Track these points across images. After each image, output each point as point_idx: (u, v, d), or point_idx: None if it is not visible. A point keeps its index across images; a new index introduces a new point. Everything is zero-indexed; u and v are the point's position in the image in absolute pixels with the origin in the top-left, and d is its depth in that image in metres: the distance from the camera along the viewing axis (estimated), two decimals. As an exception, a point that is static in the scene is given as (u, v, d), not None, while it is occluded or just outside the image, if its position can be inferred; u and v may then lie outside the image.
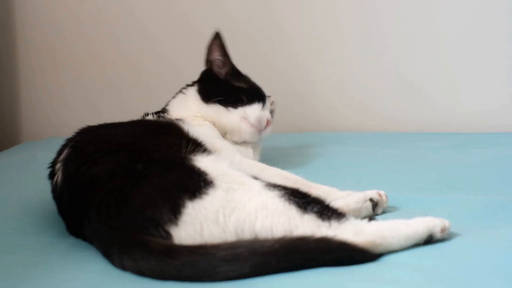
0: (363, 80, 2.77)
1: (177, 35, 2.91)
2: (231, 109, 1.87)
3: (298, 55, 2.83)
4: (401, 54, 2.73)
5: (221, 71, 1.94)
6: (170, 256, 1.11)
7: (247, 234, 1.17)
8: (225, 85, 1.92)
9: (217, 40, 1.92)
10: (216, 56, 1.93)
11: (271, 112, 2.00)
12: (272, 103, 2.03)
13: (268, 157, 1.93)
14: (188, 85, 1.97)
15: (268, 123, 1.90)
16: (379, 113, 2.77)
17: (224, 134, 1.88)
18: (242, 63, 1.99)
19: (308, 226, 1.17)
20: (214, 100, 1.87)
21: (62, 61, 3.04)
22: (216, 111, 1.87)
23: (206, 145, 1.53)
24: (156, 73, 2.95)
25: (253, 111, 1.88)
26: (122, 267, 1.16)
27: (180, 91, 1.96)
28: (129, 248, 1.15)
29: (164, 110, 1.90)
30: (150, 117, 1.81)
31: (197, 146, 1.46)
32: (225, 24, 2.82)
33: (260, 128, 1.88)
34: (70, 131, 1.58)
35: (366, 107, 2.78)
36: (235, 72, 1.95)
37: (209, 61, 1.94)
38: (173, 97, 1.96)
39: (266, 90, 1.98)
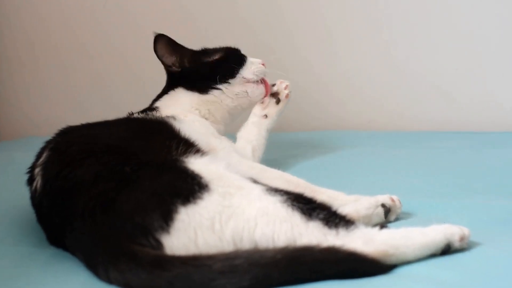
0: (373, 74, 2.77)
1: (170, 24, 2.90)
2: (231, 80, 1.91)
3: (302, 48, 2.83)
4: (414, 46, 2.72)
5: (184, 63, 1.95)
6: (161, 268, 1.10)
7: (246, 243, 1.17)
8: (205, 68, 1.94)
9: (161, 43, 1.97)
10: (167, 55, 1.96)
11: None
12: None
13: (270, 158, 1.92)
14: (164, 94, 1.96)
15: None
16: (390, 110, 2.77)
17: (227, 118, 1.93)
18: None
19: (313, 234, 1.16)
20: (210, 87, 1.90)
21: (43, 53, 3.04)
22: (218, 95, 1.90)
23: (199, 145, 1.53)
24: (146, 66, 2.91)
25: (247, 68, 1.94)
26: (108, 279, 1.15)
27: (166, 93, 1.95)
28: (116, 258, 1.14)
29: (152, 108, 1.89)
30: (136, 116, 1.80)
31: (189, 147, 1.46)
32: (223, 13, 2.85)
33: (262, 76, 1.97)
34: (51, 130, 1.57)
35: (376, 104, 2.78)
36: (196, 54, 1.97)
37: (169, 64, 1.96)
38: (160, 97, 1.95)
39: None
